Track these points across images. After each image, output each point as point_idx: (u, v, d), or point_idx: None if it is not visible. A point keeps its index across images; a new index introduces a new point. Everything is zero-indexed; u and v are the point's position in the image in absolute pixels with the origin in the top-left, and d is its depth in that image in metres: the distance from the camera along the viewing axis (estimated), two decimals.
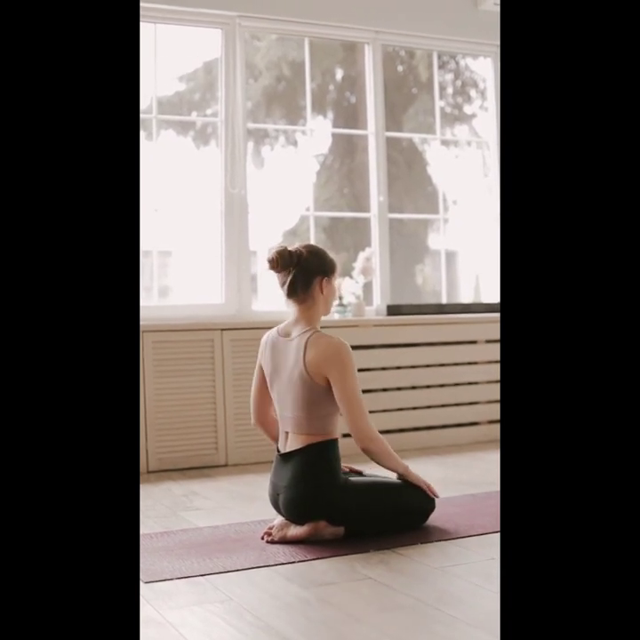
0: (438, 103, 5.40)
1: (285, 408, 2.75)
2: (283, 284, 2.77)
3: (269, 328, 2.93)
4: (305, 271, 2.75)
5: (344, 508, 2.68)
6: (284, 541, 2.68)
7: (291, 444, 2.74)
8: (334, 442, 2.74)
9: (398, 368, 4.66)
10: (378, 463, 2.77)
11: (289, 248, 2.77)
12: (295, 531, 2.69)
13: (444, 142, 5.55)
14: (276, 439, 2.87)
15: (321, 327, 2.81)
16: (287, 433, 2.76)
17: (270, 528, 2.75)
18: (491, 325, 4.84)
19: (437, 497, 2.82)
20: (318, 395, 2.69)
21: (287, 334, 2.79)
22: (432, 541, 2.66)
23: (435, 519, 2.86)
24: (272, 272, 2.78)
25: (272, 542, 2.69)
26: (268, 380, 2.83)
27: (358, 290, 4.77)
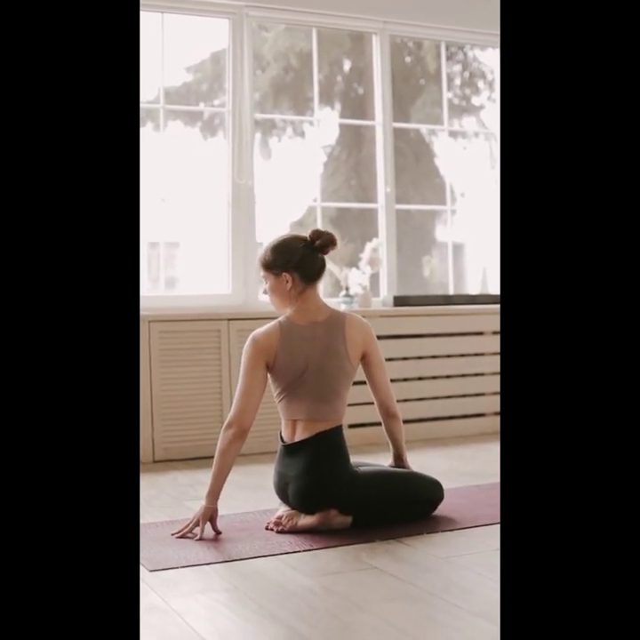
0: (446, 94, 5.39)
1: (303, 396, 2.71)
2: (321, 267, 2.81)
3: (274, 319, 2.84)
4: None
5: (355, 497, 2.68)
6: (294, 531, 2.68)
7: (300, 433, 2.73)
8: (341, 428, 2.75)
9: (405, 359, 4.66)
10: (394, 432, 2.92)
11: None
12: (306, 520, 2.69)
13: (452, 134, 5.54)
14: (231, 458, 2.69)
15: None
16: (295, 422, 2.74)
17: (279, 518, 2.74)
18: (497, 317, 4.83)
19: None
20: (349, 377, 2.78)
21: (309, 321, 2.77)
22: (437, 532, 2.66)
23: (440, 510, 2.87)
24: (323, 255, 2.82)
25: (282, 532, 2.69)
26: (278, 374, 2.75)
27: (365, 281, 4.77)
